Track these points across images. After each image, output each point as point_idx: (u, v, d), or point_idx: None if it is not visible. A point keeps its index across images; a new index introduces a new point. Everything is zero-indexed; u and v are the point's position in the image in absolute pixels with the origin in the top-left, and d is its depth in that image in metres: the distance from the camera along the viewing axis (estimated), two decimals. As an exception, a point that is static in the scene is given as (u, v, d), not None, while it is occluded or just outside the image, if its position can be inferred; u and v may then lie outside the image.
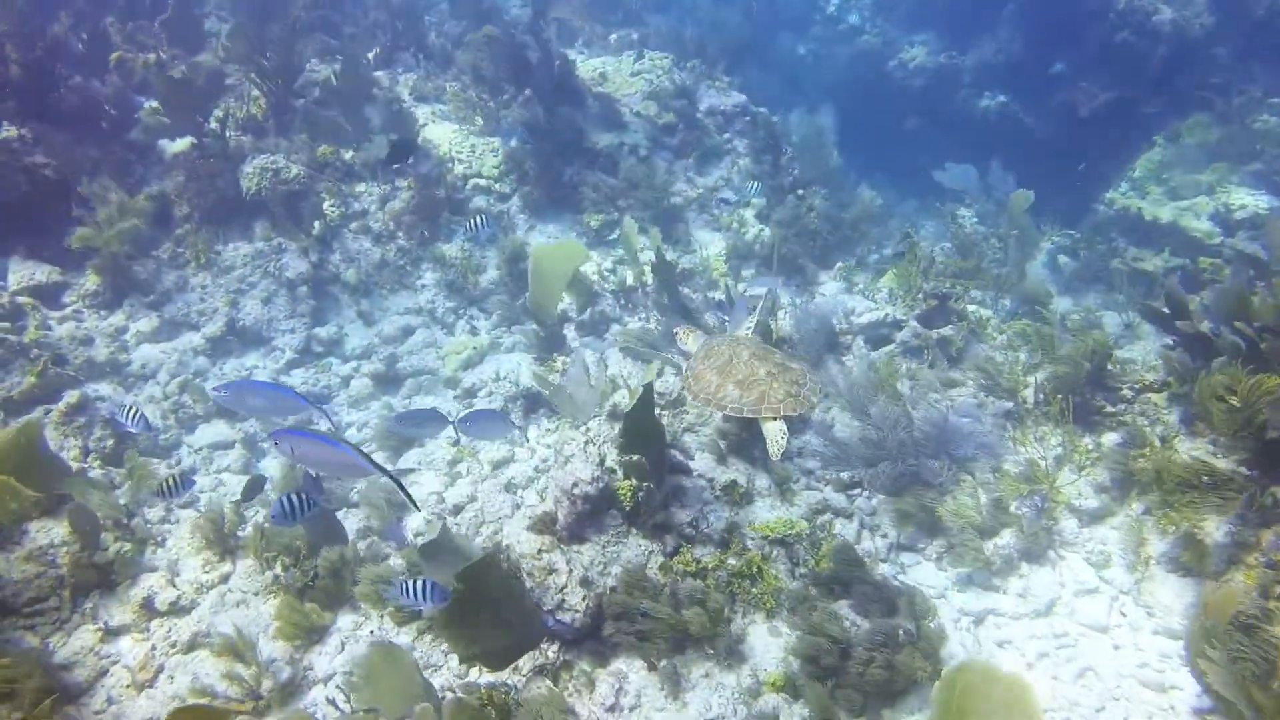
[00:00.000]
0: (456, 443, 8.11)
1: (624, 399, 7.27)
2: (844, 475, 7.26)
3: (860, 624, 5.71)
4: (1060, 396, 7.03)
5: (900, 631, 5.45)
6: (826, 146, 12.36)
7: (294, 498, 5.62)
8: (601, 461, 6.25)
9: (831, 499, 7.10)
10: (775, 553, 6.56)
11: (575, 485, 6.01)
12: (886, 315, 8.99)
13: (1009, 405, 7.60)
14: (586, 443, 6.32)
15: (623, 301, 9.91)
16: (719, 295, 9.89)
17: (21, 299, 9.18)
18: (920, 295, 9.07)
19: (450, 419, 6.62)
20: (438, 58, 12.94)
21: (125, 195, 10.03)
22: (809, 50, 19.76)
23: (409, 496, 4.71)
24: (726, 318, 9.07)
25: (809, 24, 19.91)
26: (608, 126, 11.58)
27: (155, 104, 10.97)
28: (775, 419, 6.02)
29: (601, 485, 6.09)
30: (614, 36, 13.94)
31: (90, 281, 9.66)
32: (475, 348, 9.55)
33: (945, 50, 17.23)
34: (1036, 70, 15.81)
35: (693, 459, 7.08)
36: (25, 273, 9.48)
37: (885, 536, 6.97)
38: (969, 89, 16.79)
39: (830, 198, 11.44)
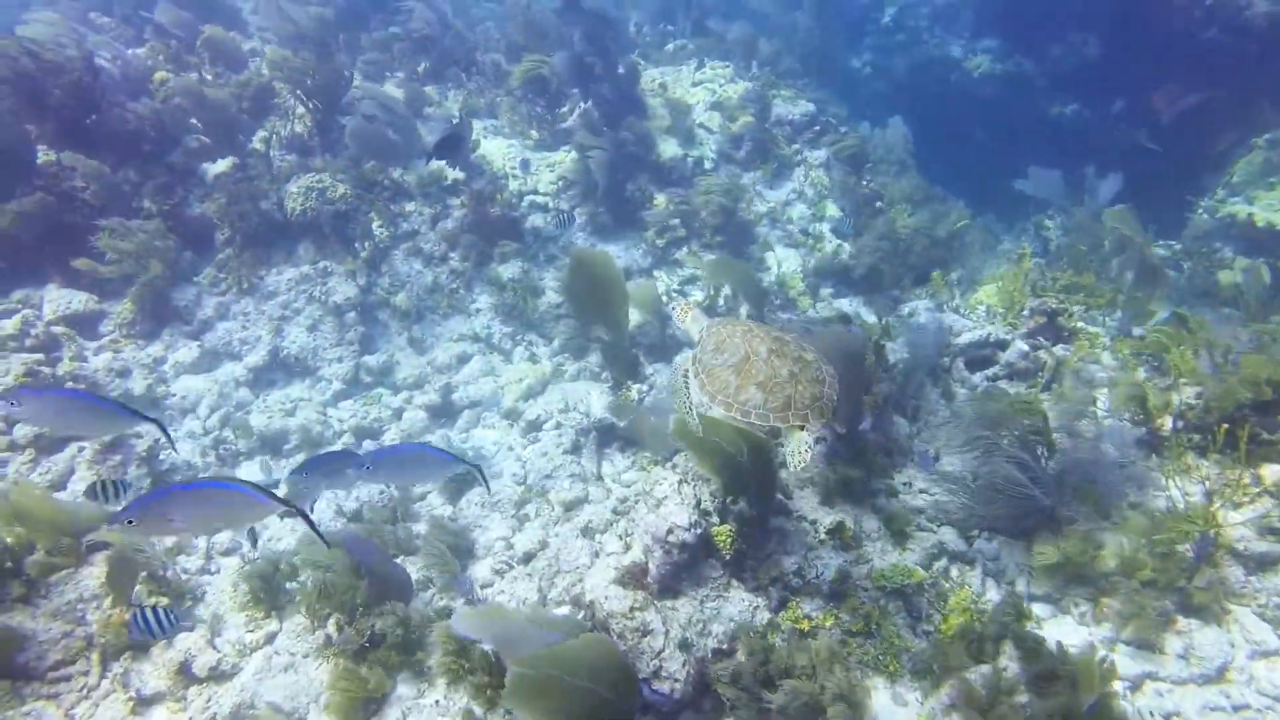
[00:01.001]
0: (514, 482, 7.40)
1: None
2: (959, 515, 6.47)
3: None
4: (1220, 424, 6.16)
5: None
6: (905, 159, 11.64)
7: (155, 612, 5.42)
8: (698, 504, 5.50)
9: (949, 542, 6.30)
10: (892, 605, 5.79)
11: (670, 532, 5.28)
12: (989, 334, 8.17)
13: (1141, 432, 6.77)
14: (681, 482, 5.57)
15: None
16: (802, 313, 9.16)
17: (57, 329, 8.64)
18: (1026, 312, 8.26)
19: (365, 459, 5.67)
20: (489, 73, 12.38)
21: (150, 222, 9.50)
22: (865, 62, 19.09)
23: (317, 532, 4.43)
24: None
25: (863, 35, 19.26)
26: (670, 138, 10.91)
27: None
28: (802, 427, 5.18)
29: (700, 531, 5.35)
30: (671, 46, 13.30)
31: (127, 310, 9.10)
32: (537, 376, 8.86)
33: (1011, 57, 16.45)
34: (1113, 74, 14.97)
35: (791, 497, 6.33)
36: (62, 301, 8.94)
37: (1013, 585, 6.15)
38: (1039, 97, 15.98)
39: (913, 211, 10.68)
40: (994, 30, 17.01)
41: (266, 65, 11.04)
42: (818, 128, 11.72)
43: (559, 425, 7.99)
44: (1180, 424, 6.60)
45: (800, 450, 5.13)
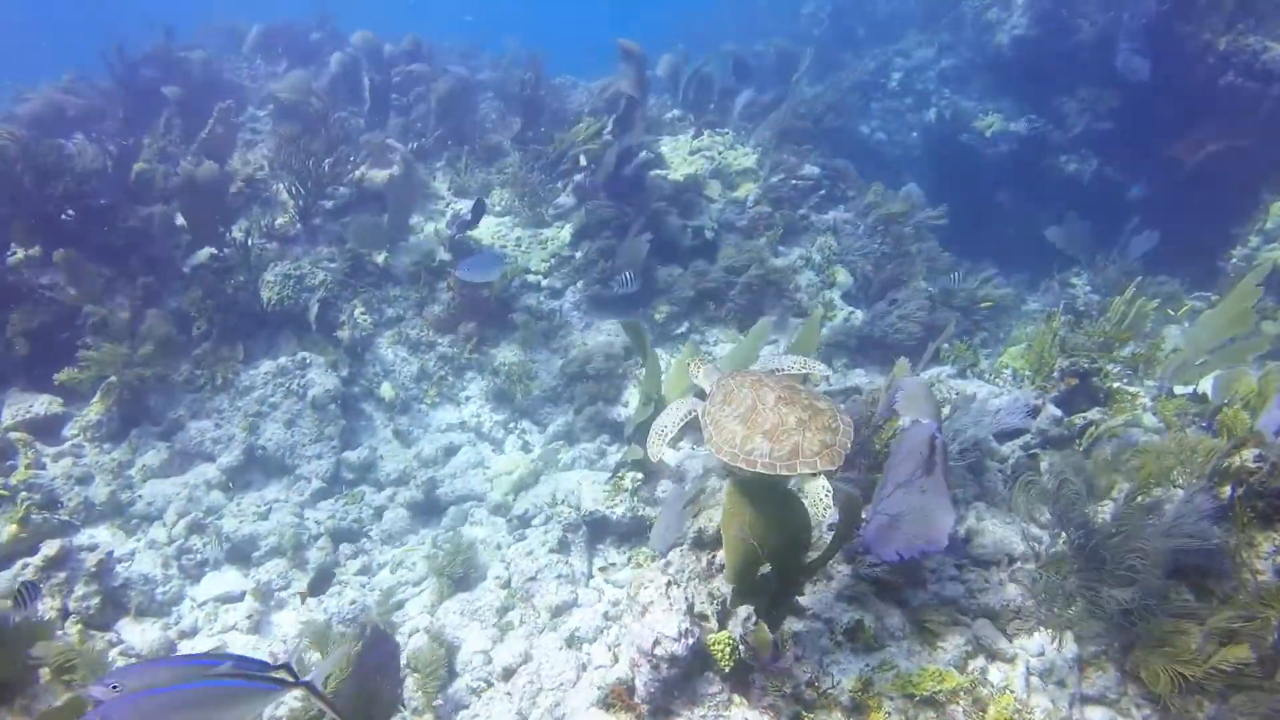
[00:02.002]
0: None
1: (712, 522, 5.88)
2: (996, 604, 5.73)
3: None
4: (1289, 492, 5.43)
5: None
6: (918, 220, 11.16)
7: None
8: (690, 609, 4.82)
9: (985, 637, 5.55)
10: (923, 717, 5.04)
11: (657, 644, 4.60)
12: (1016, 399, 7.51)
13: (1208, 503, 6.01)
14: (669, 584, 4.89)
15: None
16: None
17: (15, 435, 8.18)
18: (1056, 374, 7.60)
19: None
20: (480, 152, 12.10)
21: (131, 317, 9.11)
22: (875, 127, 18.81)
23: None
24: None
25: (871, 100, 19.03)
26: (670, 208, 10.49)
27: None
28: (816, 475, 4.77)
29: (692, 641, 4.67)
30: (669, 115, 13.01)
31: (93, 411, 8.65)
32: (530, 467, 8.27)
33: (1024, 115, 16.06)
34: (1130, 127, 14.53)
35: (803, 593, 5.64)
36: (22, 405, 8.52)
37: (1063, 685, 5.38)
38: (1056, 154, 15.52)
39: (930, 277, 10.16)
40: (1005, 89, 16.68)
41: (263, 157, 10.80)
42: (823, 191, 11.28)
43: (549, 520, 7.34)
44: (1241, 490, 5.87)
45: (820, 497, 4.80)
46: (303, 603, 7.39)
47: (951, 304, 9.80)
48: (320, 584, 7.52)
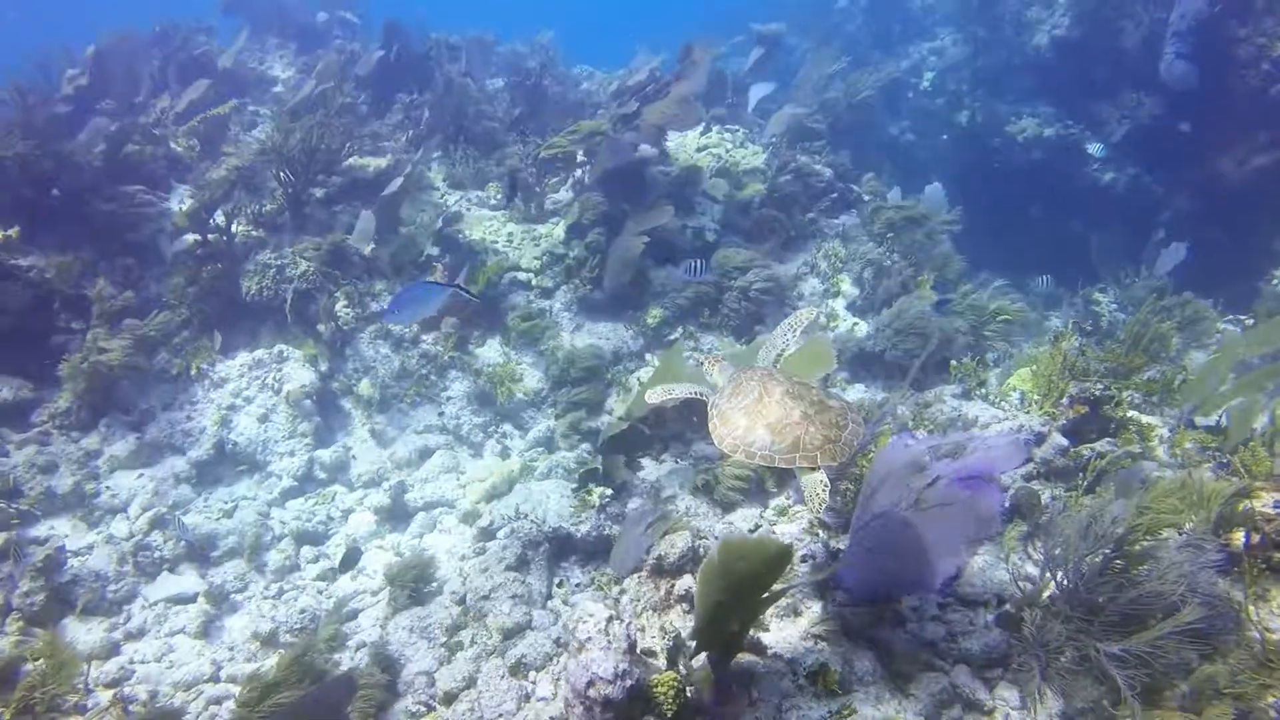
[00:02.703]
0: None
1: (674, 548, 5.53)
2: (978, 649, 5.33)
3: None
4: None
5: None
6: (934, 230, 10.69)
7: None
8: (631, 647, 4.47)
9: (964, 685, 5.15)
10: (887, 773, 4.68)
11: (591, 685, 4.27)
12: (1020, 426, 7.08)
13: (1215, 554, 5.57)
14: (610, 619, 4.54)
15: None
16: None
17: (-23, 420, 8.04)
18: (1066, 400, 7.16)
19: None
20: (480, 142, 11.80)
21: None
22: (904, 128, 18.30)
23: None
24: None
25: (901, 100, 18.50)
26: (667, 205, 10.12)
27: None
28: (815, 468, 4.67)
29: (630, 684, 4.32)
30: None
31: (64, 399, 8.46)
32: (504, 474, 7.96)
33: (1061, 120, 15.48)
34: (1172, 136, 13.91)
35: (768, 629, 5.29)
36: (-11, 389, 8.36)
37: (1044, 740, 4.98)
38: (1091, 162, 14.94)
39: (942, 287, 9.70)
40: (1042, 92, 16.10)
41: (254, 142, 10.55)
42: (835, 194, 10.85)
43: (512, 534, 7.01)
44: (1255, 539, 5.42)
45: (816, 490, 4.63)
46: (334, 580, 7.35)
47: (963, 317, 9.33)
48: (350, 561, 7.31)
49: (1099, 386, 7.18)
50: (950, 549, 5.34)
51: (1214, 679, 4.59)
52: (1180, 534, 5.63)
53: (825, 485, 4.62)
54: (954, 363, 8.98)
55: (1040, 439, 6.95)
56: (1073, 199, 14.99)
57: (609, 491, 6.79)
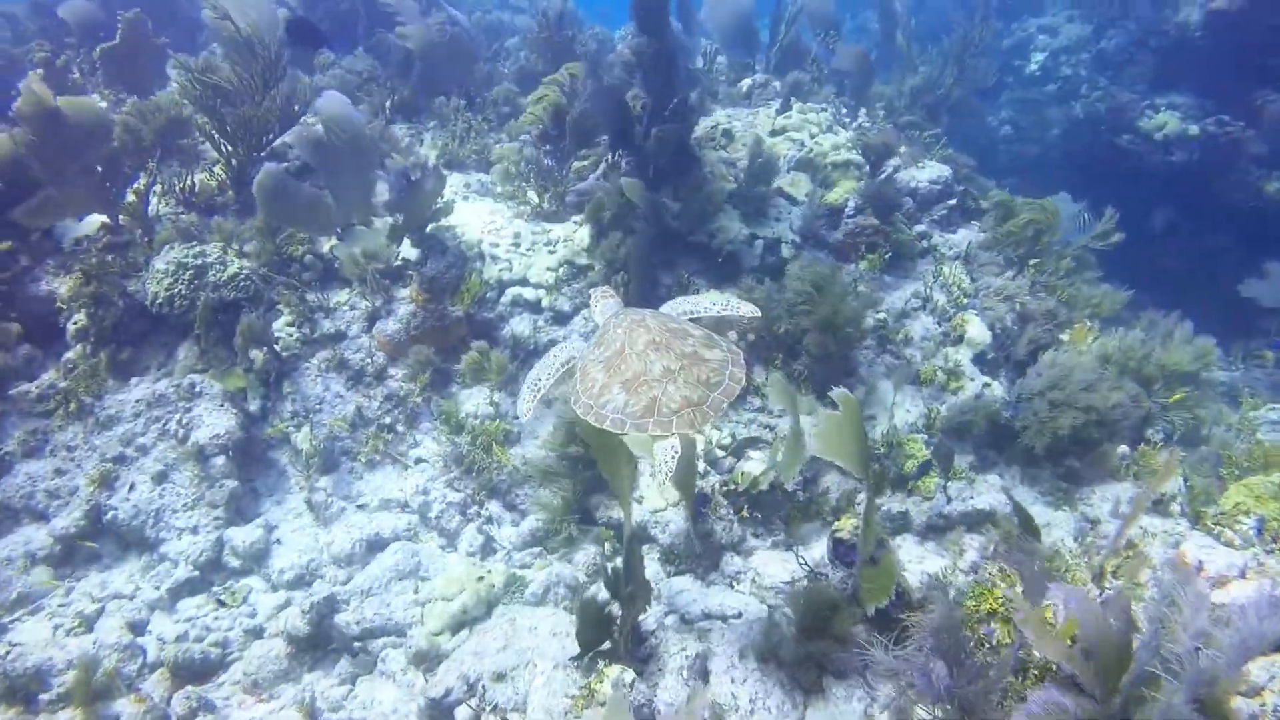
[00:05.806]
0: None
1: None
2: None
3: None
4: None
5: None
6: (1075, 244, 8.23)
7: None
8: None
9: None
10: None
11: None
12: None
13: None
14: None
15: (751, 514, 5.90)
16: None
17: None
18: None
19: None
20: (486, 109, 9.40)
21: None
22: (1004, 119, 15.65)
23: None
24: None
25: (1002, 86, 15.79)
26: (731, 210, 7.66)
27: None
28: (667, 437, 3.93)
29: None
30: (746, 82, 10.05)
31: (-116, 438, 6.23)
32: (481, 592, 5.59)
33: (1211, 114, 12.79)
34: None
35: None
36: None
37: None
38: (1253, 167, 12.26)
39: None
40: (1184, 80, 13.39)
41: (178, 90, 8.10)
42: (953, 201, 8.34)
43: (477, 713, 4.59)
44: None
45: (662, 460, 3.92)
46: None
47: (1137, 376, 6.84)
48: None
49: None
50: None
51: None
52: None
53: (675, 454, 3.89)
54: (1122, 448, 6.53)
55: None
56: (1225, 213, 12.35)
57: (629, 677, 4.34)
